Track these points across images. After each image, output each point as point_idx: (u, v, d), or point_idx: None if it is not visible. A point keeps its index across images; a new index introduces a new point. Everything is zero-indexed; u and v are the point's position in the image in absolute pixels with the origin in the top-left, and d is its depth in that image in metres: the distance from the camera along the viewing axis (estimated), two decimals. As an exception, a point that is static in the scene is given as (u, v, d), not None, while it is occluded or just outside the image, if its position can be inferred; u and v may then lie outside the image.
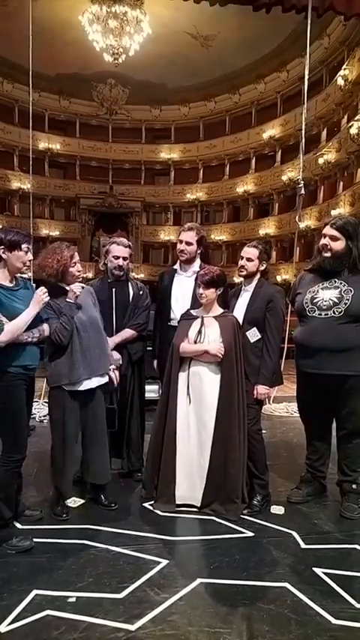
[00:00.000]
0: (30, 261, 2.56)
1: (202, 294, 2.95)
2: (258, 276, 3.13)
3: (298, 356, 3.07)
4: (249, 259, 3.10)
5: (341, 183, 15.76)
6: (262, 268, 3.12)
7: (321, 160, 15.81)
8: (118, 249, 3.36)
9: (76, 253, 2.85)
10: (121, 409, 3.35)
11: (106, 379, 2.95)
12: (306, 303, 2.95)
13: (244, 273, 3.12)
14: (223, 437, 2.88)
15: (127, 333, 3.32)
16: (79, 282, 2.85)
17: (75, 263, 2.81)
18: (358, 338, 2.83)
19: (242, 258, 3.12)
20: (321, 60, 15.69)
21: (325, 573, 2.32)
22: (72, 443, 2.83)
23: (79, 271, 2.84)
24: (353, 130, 13.92)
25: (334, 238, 2.89)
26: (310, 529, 2.78)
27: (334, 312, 2.84)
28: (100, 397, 2.93)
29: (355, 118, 13.92)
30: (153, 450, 3.06)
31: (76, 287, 2.76)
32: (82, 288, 2.81)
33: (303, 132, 6.84)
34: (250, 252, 3.11)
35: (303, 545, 2.60)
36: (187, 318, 3.07)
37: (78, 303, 2.79)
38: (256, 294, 3.08)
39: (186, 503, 2.96)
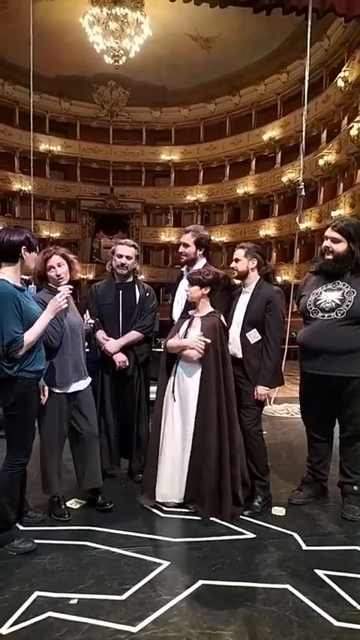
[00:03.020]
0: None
1: (186, 290, 3.02)
2: (256, 277, 3.14)
3: (300, 357, 3.07)
4: (236, 260, 3.13)
5: (341, 184, 15.77)
6: (252, 266, 3.11)
7: (321, 162, 15.83)
8: (122, 248, 3.38)
9: (54, 257, 2.80)
10: (128, 410, 3.38)
11: (89, 380, 2.97)
12: (309, 305, 2.96)
13: (236, 274, 3.16)
14: (201, 439, 2.89)
15: (133, 335, 3.33)
16: (65, 284, 2.82)
17: (52, 267, 2.78)
18: None
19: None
20: (321, 61, 15.71)
21: (326, 575, 2.31)
22: (58, 445, 2.86)
23: (57, 275, 2.80)
24: (353, 132, 13.93)
25: (335, 240, 2.89)
26: (311, 531, 2.78)
27: (336, 314, 2.84)
28: (90, 400, 2.95)
29: (355, 120, 13.93)
30: (148, 447, 3.13)
31: (64, 289, 2.68)
32: (71, 289, 2.74)
33: (303, 133, 6.85)
34: (236, 253, 3.15)
35: (304, 547, 2.59)
36: (183, 317, 3.13)
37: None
38: (256, 295, 3.08)
39: (165, 502, 2.98)
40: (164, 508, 2.97)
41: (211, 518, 2.86)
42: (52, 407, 2.79)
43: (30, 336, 2.39)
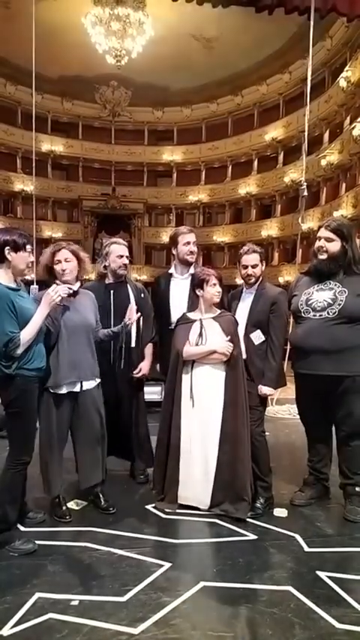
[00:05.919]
0: (32, 262, 2.55)
1: (221, 291, 2.97)
2: (260, 278, 3.15)
3: (294, 357, 3.08)
4: (254, 266, 3.09)
5: (344, 184, 15.72)
6: (263, 269, 3.14)
7: (323, 162, 15.78)
8: (121, 248, 3.35)
9: (63, 251, 2.79)
10: (126, 413, 3.35)
11: (95, 383, 2.89)
12: (301, 304, 2.97)
13: (253, 280, 3.12)
14: (231, 436, 2.88)
15: (150, 349, 3.39)
16: (69, 279, 2.79)
17: (59, 261, 2.77)
18: (352, 339, 2.84)
19: (246, 267, 3.09)
20: (323, 61, 15.65)
21: (328, 577, 2.30)
22: (57, 445, 2.83)
23: (62, 270, 2.77)
24: (356, 132, 13.88)
25: (329, 240, 2.91)
26: (313, 532, 2.77)
27: (328, 313, 2.85)
28: (90, 402, 2.86)
29: (358, 120, 13.88)
30: (159, 452, 3.08)
31: (62, 289, 2.61)
32: (70, 289, 2.71)
33: (305, 133, 6.87)
34: (254, 258, 3.10)
35: (306, 549, 2.58)
36: (185, 322, 3.06)
37: (64, 304, 2.72)
38: (259, 296, 3.08)
39: (189, 505, 2.96)
40: (166, 510, 2.96)
41: (212, 520, 2.85)
42: (48, 407, 2.79)
43: (27, 333, 2.40)
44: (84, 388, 2.83)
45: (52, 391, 2.77)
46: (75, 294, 2.80)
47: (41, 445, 2.81)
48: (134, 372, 3.33)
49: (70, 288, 2.72)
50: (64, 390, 2.78)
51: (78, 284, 2.84)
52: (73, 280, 2.82)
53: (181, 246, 3.39)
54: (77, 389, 2.81)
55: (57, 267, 2.79)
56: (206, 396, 2.93)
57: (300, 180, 7.71)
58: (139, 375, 3.35)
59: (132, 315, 2.98)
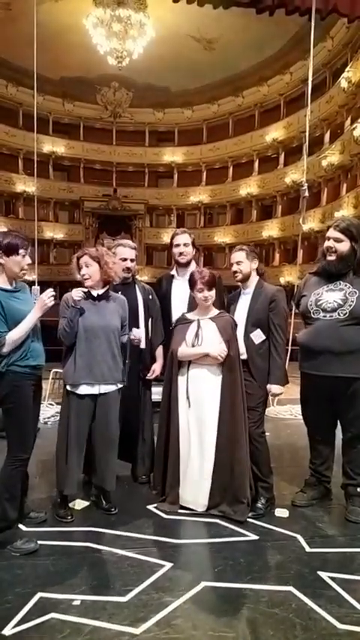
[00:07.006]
0: (28, 265, 2.56)
1: (207, 296, 2.93)
2: (256, 277, 3.14)
3: (301, 358, 3.06)
4: (239, 262, 3.11)
5: (344, 185, 15.73)
6: (254, 266, 3.13)
7: (324, 162, 15.79)
8: (125, 251, 3.33)
9: (85, 256, 2.82)
10: (132, 414, 3.34)
11: (115, 387, 2.89)
12: (310, 305, 2.96)
13: (240, 277, 3.13)
14: (228, 437, 2.88)
15: (161, 351, 3.39)
16: (92, 284, 2.84)
17: (81, 267, 2.84)
18: None
19: (232, 264, 3.13)
20: (324, 62, 15.68)
21: (330, 577, 2.30)
22: (75, 445, 2.82)
23: (82, 275, 2.84)
24: (357, 132, 13.90)
25: (338, 240, 2.90)
26: (314, 532, 2.77)
27: (338, 314, 2.84)
28: (109, 405, 2.86)
29: (359, 120, 13.90)
30: (158, 453, 3.08)
31: (75, 292, 2.76)
32: (84, 292, 2.79)
33: (306, 134, 6.87)
34: (238, 256, 3.13)
35: (308, 549, 2.58)
36: (183, 322, 3.06)
37: (80, 307, 2.77)
38: (257, 295, 3.08)
39: (189, 507, 2.96)
40: (167, 510, 2.97)
41: (214, 521, 2.86)
42: (68, 406, 2.83)
43: (15, 334, 2.44)
44: (102, 391, 2.84)
45: (70, 390, 2.81)
46: (100, 297, 2.85)
47: (58, 442, 2.85)
48: (147, 375, 3.35)
49: (84, 292, 2.79)
50: (82, 391, 2.80)
51: (102, 288, 2.88)
52: (98, 284, 2.86)
53: (173, 247, 3.44)
54: (95, 391, 2.82)
55: (80, 273, 2.84)
56: (203, 397, 2.92)
57: (301, 181, 7.72)
58: (152, 376, 3.37)
59: (138, 337, 3.12)
